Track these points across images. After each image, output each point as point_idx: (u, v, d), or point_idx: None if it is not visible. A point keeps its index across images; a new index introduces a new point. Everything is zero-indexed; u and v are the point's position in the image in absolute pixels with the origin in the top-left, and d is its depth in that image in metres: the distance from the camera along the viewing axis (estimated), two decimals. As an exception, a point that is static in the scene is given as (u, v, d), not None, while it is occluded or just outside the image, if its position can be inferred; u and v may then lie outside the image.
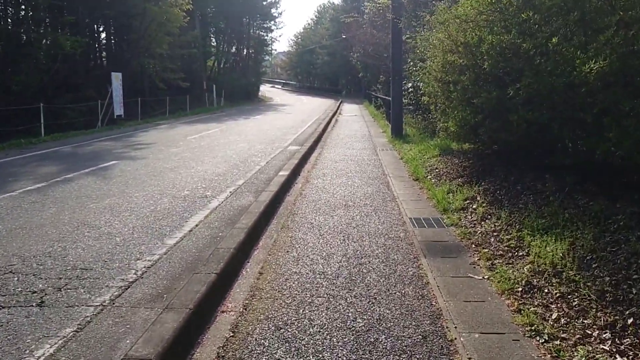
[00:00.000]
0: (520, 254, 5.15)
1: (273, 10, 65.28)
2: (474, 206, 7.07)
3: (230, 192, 8.68)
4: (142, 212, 7.16)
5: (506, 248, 5.37)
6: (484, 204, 6.90)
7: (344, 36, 49.21)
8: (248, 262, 5.30)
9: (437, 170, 10.05)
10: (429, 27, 11.97)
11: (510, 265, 4.93)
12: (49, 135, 19.54)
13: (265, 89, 79.84)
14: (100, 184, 9.32)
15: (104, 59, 33.97)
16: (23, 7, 25.26)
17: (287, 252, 5.55)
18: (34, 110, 20.38)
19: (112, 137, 19.22)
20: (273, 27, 66.33)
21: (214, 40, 58.77)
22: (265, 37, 66.53)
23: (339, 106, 41.97)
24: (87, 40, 28.85)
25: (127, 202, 7.84)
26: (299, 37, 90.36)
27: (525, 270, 4.72)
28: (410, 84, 17.99)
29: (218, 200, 8.02)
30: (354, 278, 4.76)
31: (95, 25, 32.14)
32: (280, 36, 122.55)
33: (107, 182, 9.57)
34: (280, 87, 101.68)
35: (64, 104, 25.18)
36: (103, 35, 33.91)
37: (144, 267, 4.96)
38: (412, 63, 18.53)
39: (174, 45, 37.93)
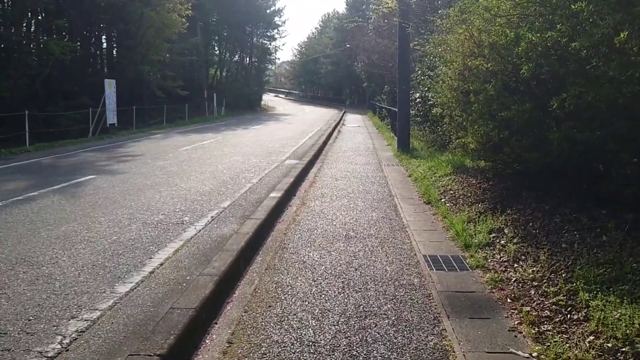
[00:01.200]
0: (576, 317, 3.89)
1: (276, 19, 64.44)
2: (502, 241, 5.81)
3: (212, 217, 7.45)
4: (101, 244, 5.93)
5: (554, 307, 4.11)
6: (515, 240, 5.65)
7: (348, 45, 48.23)
8: (216, 324, 4.05)
9: (451, 192, 8.81)
10: (440, 31, 10.78)
11: (565, 337, 3.67)
12: (35, 144, 18.35)
13: (268, 98, 78.95)
14: (64, 205, 8.10)
15: (101, 66, 32.88)
16: (9, 7, 24.14)
17: (269, 307, 4.31)
18: (22, 118, 19.23)
19: (99, 147, 18.05)
20: (276, 36, 65.44)
21: (217, 48, 57.90)
22: (269, 46, 65.64)
23: (342, 116, 40.83)
24: (78, 46, 27.80)
25: (88, 229, 6.61)
26: (303, 46, 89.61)
27: (587, 345, 3.47)
28: (418, 94, 16.80)
29: (195, 227, 6.79)
30: (355, 353, 3.51)
31: (91, 31, 31.05)
32: (283, 45, 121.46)
33: (73, 202, 8.35)
34: (283, 96, 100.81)
35: (56, 112, 24.13)
36: (102, 41, 32.82)
37: (76, 331, 3.72)
38: (420, 72, 17.37)
39: (174, 52, 36.97)
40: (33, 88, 24.62)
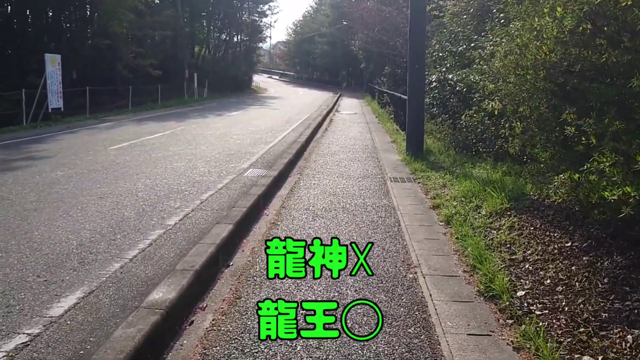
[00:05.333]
0: None
1: (268, -7, 59.49)
2: None
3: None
4: None
5: None
6: None
7: (345, 22, 43.61)
8: None
9: (534, 273, 4.54)
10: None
11: None
12: None
13: (260, 80, 74.20)
14: None
15: (48, 39, 28.09)
16: None
17: None
18: None
19: (11, 141, 13.70)
20: (267, 12, 60.62)
21: (205, 25, 53.02)
22: (259, 23, 60.72)
23: (336, 101, 36.41)
24: (7, 9, 23.15)
25: None
26: (298, 25, 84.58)
27: None
28: (434, 76, 12.47)
29: None
30: None
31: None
32: (275, 22, 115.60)
33: None
34: (277, 77, 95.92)
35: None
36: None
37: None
38: (438, 46, 13.04)
39: (145, 26, 32.32)
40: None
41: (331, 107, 28.81)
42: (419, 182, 8.71)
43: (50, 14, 27.54)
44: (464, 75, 10.35)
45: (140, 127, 17.61)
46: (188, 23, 46.31)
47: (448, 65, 12.79)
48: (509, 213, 6.01)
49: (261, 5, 59.06)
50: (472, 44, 10.50)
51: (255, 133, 15.79)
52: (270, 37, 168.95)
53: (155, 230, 5.71)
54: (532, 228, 5.40)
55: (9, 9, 23.41)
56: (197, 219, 6.17)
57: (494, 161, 9.44)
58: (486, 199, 6.68)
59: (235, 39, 59.10)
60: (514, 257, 4.80)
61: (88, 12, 25.29)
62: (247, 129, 17.15)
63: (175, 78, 38.73)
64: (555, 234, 5.04)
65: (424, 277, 4.57)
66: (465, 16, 12.28)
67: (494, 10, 12.67)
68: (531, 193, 6.58)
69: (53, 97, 20.38)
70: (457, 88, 10.62)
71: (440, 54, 12.65)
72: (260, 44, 67.60)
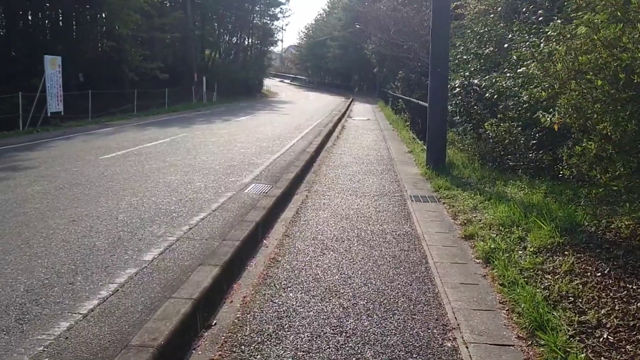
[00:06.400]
0: None
1: (279, -5, 58.63)
2: None
3: None
4: None
5: None
6: None
7: (358, 25, 42.48)
8: None
9: (624, 348, 3.39)
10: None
11: None
12: None
13: (272, 84, 73.26)
14: None
15: (51, 41, 27.24)
16: None
17: None
18: None
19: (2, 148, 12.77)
20: (279, 15, 59.74)
21: (217, 27, 52.18)
22: (271, 26, 59.81)
23: (348, 106, 35.30)
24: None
25: None
26: (310, 29, 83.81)
27: None
28: (457, 81, 11.32)
29: None
30: None
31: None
32: (287, 25, 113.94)
33: None
34: (289, 81, 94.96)
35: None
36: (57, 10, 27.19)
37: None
38: (462, 48, 11.91)
39: (153, 28, 31.48)
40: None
41: (343, 113, 27.71)
42: (444, 203, 7.56)
43: (61, 14, 26.82)
44: (493, 81, 9.19)
45: (141, 133, 16.63)
46: (199, 26, 45.55)
47: (472, 69, 11.64)
48: (563, 250, 4.86)
49: (273, 8, 58.28)
50: (505, 44, 9.34)
51: (262, 141, 14.73)
52: (282, 40, 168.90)
53: (127, 268, 4.63)
54: (598, 275, 4.26)
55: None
56: (181, 252, 5.08)
57: (529, 178, 8.27)
58: (530, 229, 5.53)
59: (246, 42, 58.34)
60: (584, 319, 3.65)
61: (90, 14, 24.23)
62: (253, 136, 16.09)
63: (184, 81, 37.91)
64: (635, 287, 3.89)
65: (467, 347, 3.44)
66: (492, 15, 11.13)
67: (524, 10, 11.53)
68: (586, 223, 5.43)
69: (53, 100, 19.50)
70: (487, 95, 9.46)
71: (465, 57, 11.50)
72: (272, 48, 66.81)
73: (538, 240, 5.18)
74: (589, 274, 4.31)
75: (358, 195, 8.03)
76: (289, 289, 4.32)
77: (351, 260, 5.03)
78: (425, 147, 11.80)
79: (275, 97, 54.19)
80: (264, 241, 5.67)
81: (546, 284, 4.28)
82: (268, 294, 4.21)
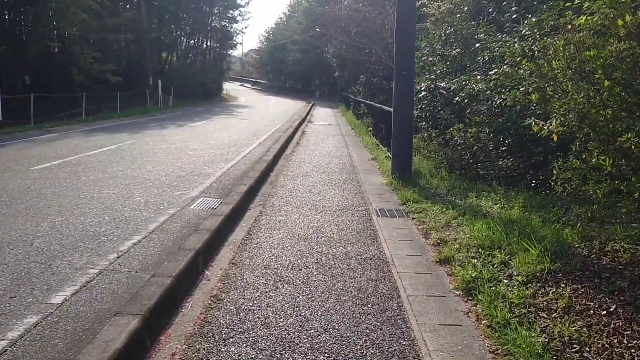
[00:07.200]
0: None
1: (238, -2, 57.42)
2: None
3: None
4: None
5: None
6: None
7: (318, 29, 41.78)
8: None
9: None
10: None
11: None
12: None
13: (232, 87, 71.84)
14: None
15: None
16: None
17: None
18: None
19: None
20: (238, 18, 58.53)
21: (174, 29, 50.54)
22: (230, 29, 58.54)
23: (309, 110, 34.57)
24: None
25: None
26: (270, 32, 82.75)
27: None
28: (423, 85, 10.68)
29: None
30: None
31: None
32: (246, 28, 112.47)
33: None
34: (249, 85, 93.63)
35: None
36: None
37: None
38: (427, 50, 11.30)
39: (104, 29, 29.95)
40: None
41: (304, 117, 26.93)
42: (413, 218, 6.82)
43: (5, 11, 25.06)
44: (463, 84, 8.55)
45: (86, 139, 15.40)
46: (155, 28, 43.94)
47: (438, 71, 11.03)
48: (556, 279, 4.17)
49: (231, 11, 57.06)
50: (477, 44, 8.72)
51: (216, 148, 13.76)
52: (241, 44, 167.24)
53: (27, 317, 3.66)
54: (604, 313, 3.57)
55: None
56: (101, 291, 4.14)
57: (504, 189, 7.64)
58: (514, 251, 4.83)
59: (205, 45, 56.89)
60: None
61: (32, 12, 22.66)
62: (207, 142, 15.10)
63: (138, 85, 36.39)
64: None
65: None
66: (459, 15, 10.55)
67: (490, 10, 11.01)
68: (577, 245, 4.77)
69: (-11, 104, 18.00)
70: (457, 99, 8.80)
71: (430, 59, 10.87)
72: (231, 51, 65.37)
73: (525, 266, 4.47)
74: (592, 312, 3.62)
75: (318, 210, 7.22)
76: (231, 340, 3.45)
77: (309, 296, 4.20)
78: (389, 154, 11.13)
79: (235, 101, 53.03)
80: (206, 272, 4.77)
81: (543, 326, 3.56)
82: (204, 349, 3.33)
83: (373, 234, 6.12)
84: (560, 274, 4.24)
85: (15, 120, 19.90)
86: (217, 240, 5.51)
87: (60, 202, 7.15)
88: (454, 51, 10.25)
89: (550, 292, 4.02)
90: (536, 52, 4.47)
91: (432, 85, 10.41)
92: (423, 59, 11.08)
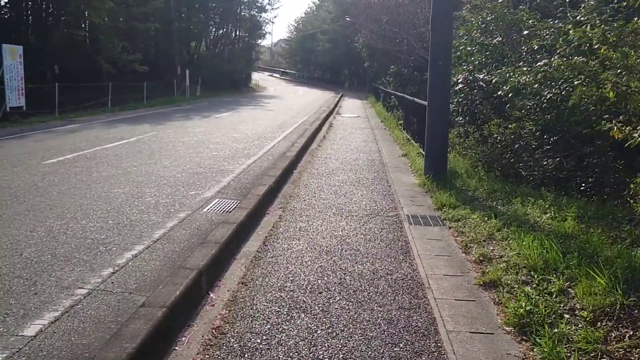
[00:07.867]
0: None
1: (267, -13, 56.80)
2: None
3: None
4: None
5: None
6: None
7: (348, 18, 40.80)
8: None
9: None
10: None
11: None
12: None
13: (261, 78, 71.37)
14: None
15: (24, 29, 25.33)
16: None
17: None
18: None
19: None
20: (267, 7, 57.95)
21: (203, 18, 50.19)
22: (259, 18, 57.96)
23: (338, 102, 33.78)
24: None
25: None
26: (300, 22, 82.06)
27: None
28: (460, 76, 9.84)
29: None
30: None
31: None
32: (275, 17, 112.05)
33: None
34: (278, 76, 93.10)
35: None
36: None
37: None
38: (465, 39, 10.45)
39: (132, 18, 29.64)
40: None
41: (332, 109, 26.17)
42: (450, 227, 6.06)
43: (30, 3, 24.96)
44: (507, 76, 7.69)
45: (107, 130, 14.99)
46: (184, 17, 43.61)
47: (476, 62, 10.16)
48: (632, 317, 3.38)
49: (260, 0, 56.34)
50: (525, 32, 7.84)
51: (239, 141, 13.16)
52: (270, 33, 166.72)
53: (-8, 352, 3.07)
54: None
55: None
56: (85, 319, 3.52)
57: (553, 193, 6.79)
58: (575, 276, 4.06)
59: (234, 35, 56.47)
60: None
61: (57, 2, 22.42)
62: (231, 135, 14.51)
63: (166, 75, 36.15)
64: None
65: None
66: (500, 0, 9.66)
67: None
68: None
69: (12, 94, 17.81)
70: (500, 92, 7.96)
71: (469, 48, 10.01)
72: (260, 41, 64.87)
73: (590, 297, 3.70)
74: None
75: (344, 215, 6.51)
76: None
77: (329, 331, 3.51)
78: (422, 150, 10.36)
79: (263, 91, 52.52)
80: (211, 295, 4.12)
81: (624, 387, 2.79)
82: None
83: (405, 246, 5.39)
84: (637, 311, 3.46)
85: (41, 110, 19.69)
86: (227, 252, 4.85)
87: (64, 203, 6.61)
88: (494, 40, 9.37)
89: (627, 335, 3.25)
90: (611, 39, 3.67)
91: (470, 77, 9.56)
92: (460, 48, 10.22)
